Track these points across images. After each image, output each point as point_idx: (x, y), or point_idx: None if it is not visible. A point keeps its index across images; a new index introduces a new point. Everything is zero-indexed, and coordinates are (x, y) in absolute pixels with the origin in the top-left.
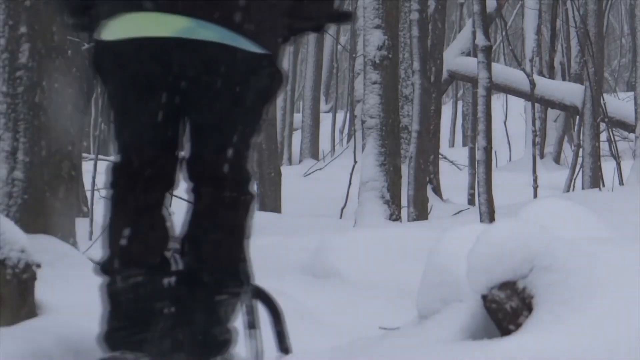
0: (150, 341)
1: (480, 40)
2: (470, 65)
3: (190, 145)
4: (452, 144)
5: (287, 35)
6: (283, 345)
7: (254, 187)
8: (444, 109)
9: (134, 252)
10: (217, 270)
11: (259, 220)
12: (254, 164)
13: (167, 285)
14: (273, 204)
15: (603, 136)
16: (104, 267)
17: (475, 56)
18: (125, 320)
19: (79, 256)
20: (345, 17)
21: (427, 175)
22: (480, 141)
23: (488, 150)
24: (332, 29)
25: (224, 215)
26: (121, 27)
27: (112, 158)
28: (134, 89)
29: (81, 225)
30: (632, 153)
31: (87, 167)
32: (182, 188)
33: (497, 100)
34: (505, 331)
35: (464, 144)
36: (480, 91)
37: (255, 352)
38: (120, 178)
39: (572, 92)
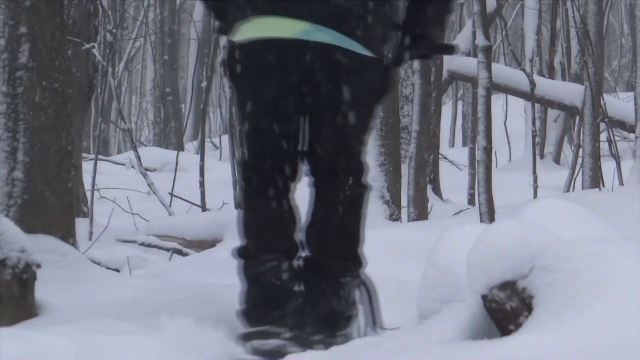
0: (286, 316)
1: (480, 40)
2: (470, 65)
3: (309, 141)
4: (452, 144)
5: (400, 61)
6: (375, 322)
7: (368, 179)
8: (444, 109)
9: (267, 239)
10: (339, 256)
11: None
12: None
13: (298, 267)
14: None
15: (603, 136)
16: (241, 253)
17: (475, 56)
18: (263, 298)
19: (79, 256)
20: (449, 49)
21: (427, 175)
22: (480, 141)
23: (488, 150)
24: None
25: (341, 206)
26: (249, 29)
27: (243, 155)
28: (258, 86)
29: (81, 225)
30: (632, 153)
31: (87, 167)
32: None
33: (497, 100)
34: (505, 331)
35: (464, 144)
36: (480, 91)
37: (371, 325)
38: (250, 172)
39: (572, 92)
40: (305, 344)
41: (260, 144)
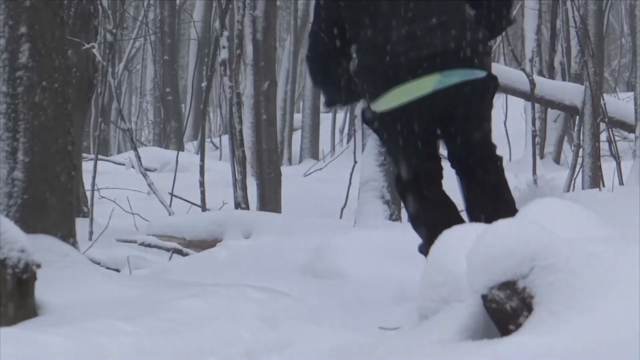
0: None
1: None
2: None
3: (449, 144)
4: None
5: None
6: None
7: (498, 151)
8: None
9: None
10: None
11: (259, 220)
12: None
13: None
14: (273, 204)
15: (603, 136)
16: (426, 251)
17: None
18: None
19: (79, 256)
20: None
21: None
22: None
23: None
24: None
25: (489, 181)
26: (393, 99)
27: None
28: (406, 133)
29: (81, 225)
30: (632, 153)
31: (87, 167)
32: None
33: (497, 100)
34: (505, 331)
35: None
36: None
37: None
38: (407, 187)
39: (572, 92)
40: None
41: (412, 165)
